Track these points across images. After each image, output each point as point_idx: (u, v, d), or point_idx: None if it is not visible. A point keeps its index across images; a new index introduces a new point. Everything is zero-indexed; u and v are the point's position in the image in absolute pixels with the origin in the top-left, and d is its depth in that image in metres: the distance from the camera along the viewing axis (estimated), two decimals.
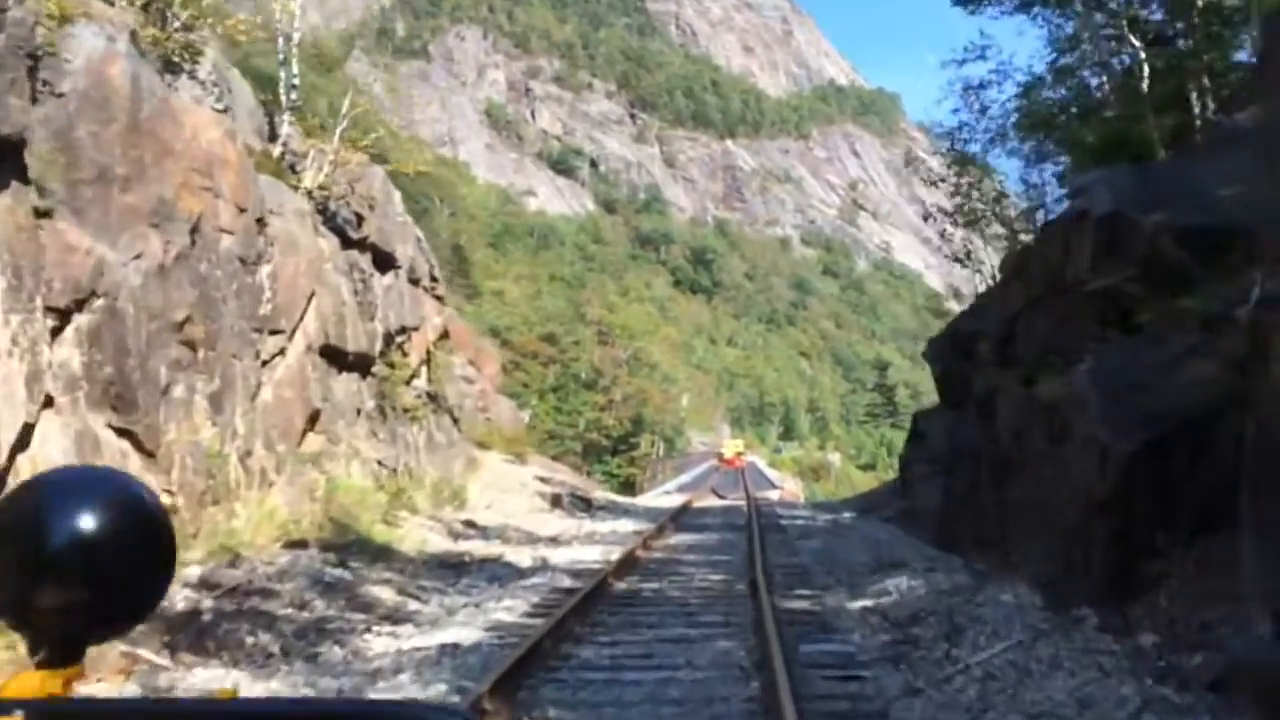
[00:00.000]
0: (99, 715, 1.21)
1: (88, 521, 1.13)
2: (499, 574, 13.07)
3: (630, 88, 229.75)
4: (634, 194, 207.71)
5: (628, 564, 13.95)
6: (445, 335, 22.96)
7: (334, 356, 16.47)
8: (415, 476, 18.77)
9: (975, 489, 12.91)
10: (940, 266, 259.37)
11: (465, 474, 22.60)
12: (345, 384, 16.85)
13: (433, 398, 21.88)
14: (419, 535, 14.91)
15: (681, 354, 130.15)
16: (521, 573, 13.24)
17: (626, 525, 21.10)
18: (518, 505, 21.83)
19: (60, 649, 1.15)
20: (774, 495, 38.92)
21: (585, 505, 25.16)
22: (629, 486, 75.77)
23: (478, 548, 15.28)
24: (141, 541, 1.18)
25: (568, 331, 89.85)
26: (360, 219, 18.28)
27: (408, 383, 20.18)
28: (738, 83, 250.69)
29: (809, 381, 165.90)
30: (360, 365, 17.66)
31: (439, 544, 15.02)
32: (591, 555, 15.46)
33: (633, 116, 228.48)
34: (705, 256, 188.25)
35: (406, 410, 19.47)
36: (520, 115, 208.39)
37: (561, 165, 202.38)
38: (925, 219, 24.92)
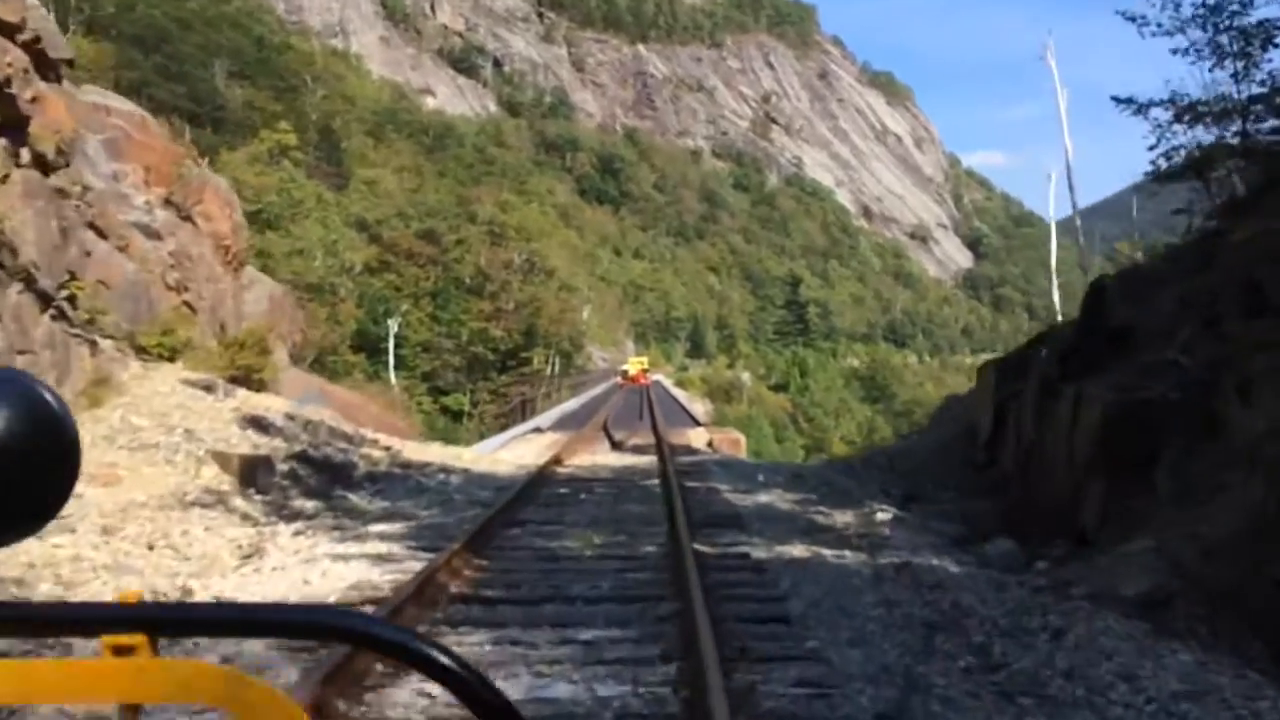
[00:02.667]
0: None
1: None
2: None
3: None
4: (539, 97, 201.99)
5: None
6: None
7: None
8: None
9: None
10: (851, 184, 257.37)
11: (74, 413, 10.93)
12: None
13: None
14: None
15: (584, 264, 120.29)
16: None
17: (353, 570, 8.29)
18: (149, 485, 9.76)
19: None
20: (698, 440, 25.87)
21: (327, 479, 12.37)
22: (519, 410, 64.94)
23: None
24: (43, 443, 1.04)
25: (452, 229, 78.06)
26: None
27: None
28: None
29: (718, 297, 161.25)
30: None
31: None
32: None
33: (540, 15, 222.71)
34: (613, 165, 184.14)
35: None
36: (419, 8, 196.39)
37: (463, 63, 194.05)
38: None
